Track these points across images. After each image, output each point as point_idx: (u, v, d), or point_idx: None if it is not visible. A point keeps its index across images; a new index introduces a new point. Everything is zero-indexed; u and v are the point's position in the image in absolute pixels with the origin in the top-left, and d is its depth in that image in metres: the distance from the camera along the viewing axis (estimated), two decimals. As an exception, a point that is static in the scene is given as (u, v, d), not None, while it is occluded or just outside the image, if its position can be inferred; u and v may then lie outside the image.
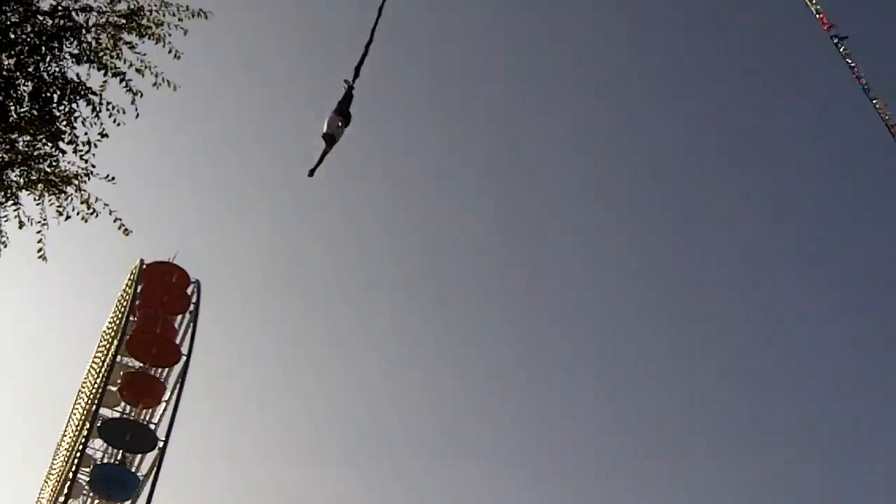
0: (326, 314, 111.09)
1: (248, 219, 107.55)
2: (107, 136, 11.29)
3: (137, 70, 11.49)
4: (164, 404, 44.69)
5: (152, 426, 44.48)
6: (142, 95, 11.41)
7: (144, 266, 48.09)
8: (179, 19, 11.49)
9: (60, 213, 11.35)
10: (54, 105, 11.03)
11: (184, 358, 44.92)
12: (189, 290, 48.20)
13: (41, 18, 10.76)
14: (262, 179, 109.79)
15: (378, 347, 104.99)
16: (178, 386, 44.28)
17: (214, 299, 59.39)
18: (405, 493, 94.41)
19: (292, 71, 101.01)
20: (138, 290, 46.86)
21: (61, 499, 41.45)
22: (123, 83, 11.35)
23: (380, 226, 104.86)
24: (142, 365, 45.33)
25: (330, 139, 13.89)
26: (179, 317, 47.50)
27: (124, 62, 11.42)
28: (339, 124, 14.14)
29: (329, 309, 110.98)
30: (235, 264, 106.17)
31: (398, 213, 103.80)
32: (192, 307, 47.16)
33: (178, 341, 46.13)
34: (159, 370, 45.69)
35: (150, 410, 44.90)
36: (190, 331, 46.04)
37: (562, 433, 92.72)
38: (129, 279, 48.30)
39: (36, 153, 11.18)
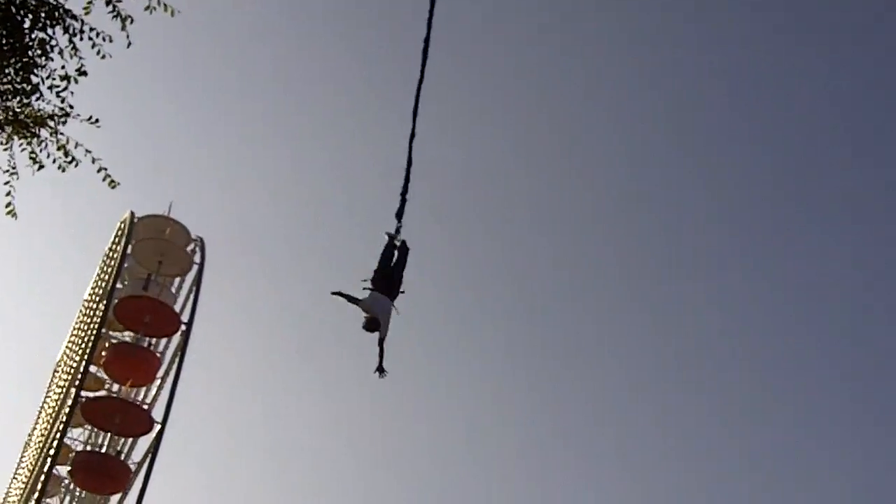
0: (351, 274, 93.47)
1: (258, 164, 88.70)
2: (85, 73, 9.80)
3: None
4: (158, 381, 38.87)
5: (145, 406, 38.66)
6: (132, 21, 9.91)
7: (136, 220, 41.71)
8: None
9: (34, 161, 10.05)
10: (26, 32, 9.64)
11: (183, 327, 39.01)
12: (189, 249, 42.05)
13: None
14: (273, 117, 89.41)
15: (419, 310, 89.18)
16: (177, 360, 38.38)
17: (219, 258, 51.64)
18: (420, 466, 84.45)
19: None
20: (128, 250, 40.50)
21: (35, 496, 35.25)
22: (111, 6, 9.77)
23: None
24: (133, 334, 39.31)
25: (373, 324, 10.59)
26: (178, 279, 41.43)
27: None
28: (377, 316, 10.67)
29: (355, 268, 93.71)
30: (244, 217, 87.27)
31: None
32: (194, 267, 41.03)
33: (177, 308, 40.11)
34: (153, 341, 39.64)
35: (144, 389, 38.99)
36: (192, 296, 39.96)
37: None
38: (117, 235, 41.96)
39: (3, 88, 9.94)
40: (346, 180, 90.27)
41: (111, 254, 41.86)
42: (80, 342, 39.46)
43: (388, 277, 10.89)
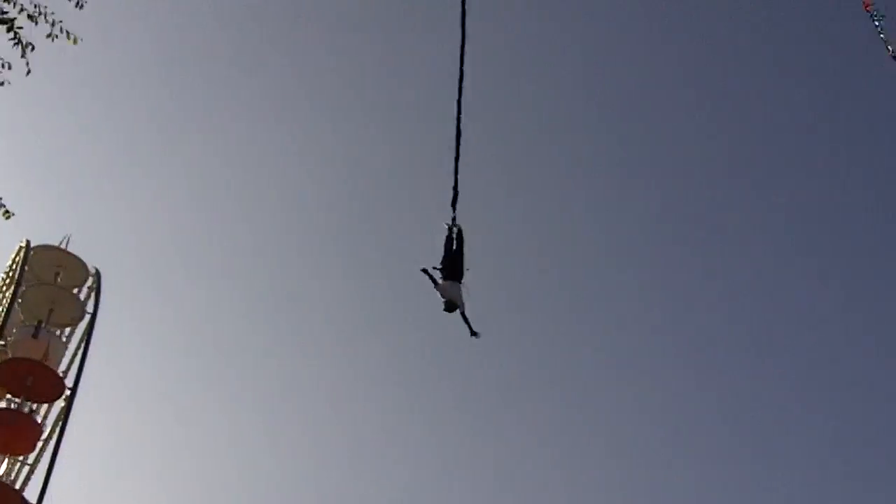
0: (267, 316, 78.84)
1: (163, 194, 77.74)
2: None
3: (29, 16, 9.98)
4: (39, 446, 35.42)
5: (21, 478, 35.28)
6: (33, 49, 9.96)
7: (31, 251, 37.67)
8: None
9: None
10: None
11: (68, 392, 35.38)
12: (87, 286, 38.08)
13: None
14: (179, 146, 76.70)
15: (328, 356, 76.07)
16: (57, 430, 34.89)
17: (121, 293, 46.25)
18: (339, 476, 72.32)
19: (221, 16, 74.28)
20: (21, 287, 36.48)
21: None
22: (11, 32, 9.81)
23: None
24: (16, 401, 35.71)
25: (451, 306, 12.33)
26: (69, 329, 37.56)
27: (13, 5, 9.84)
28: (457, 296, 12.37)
29: (272, 309, 79.95)
30: (149, 252, 77.36)
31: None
32: (85, 315, 37.18)
33: (63, 367, 36.37)
34: (35, 405, 36.03)
35: (20, 459, 35.53)
36: (79, 357, 36.17)
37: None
38: (11, 269, 37.88)
39: None
40: (257, 207, 78.56)
41: (3, 287, 38.01)
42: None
43: (454, 262, 12.35)
